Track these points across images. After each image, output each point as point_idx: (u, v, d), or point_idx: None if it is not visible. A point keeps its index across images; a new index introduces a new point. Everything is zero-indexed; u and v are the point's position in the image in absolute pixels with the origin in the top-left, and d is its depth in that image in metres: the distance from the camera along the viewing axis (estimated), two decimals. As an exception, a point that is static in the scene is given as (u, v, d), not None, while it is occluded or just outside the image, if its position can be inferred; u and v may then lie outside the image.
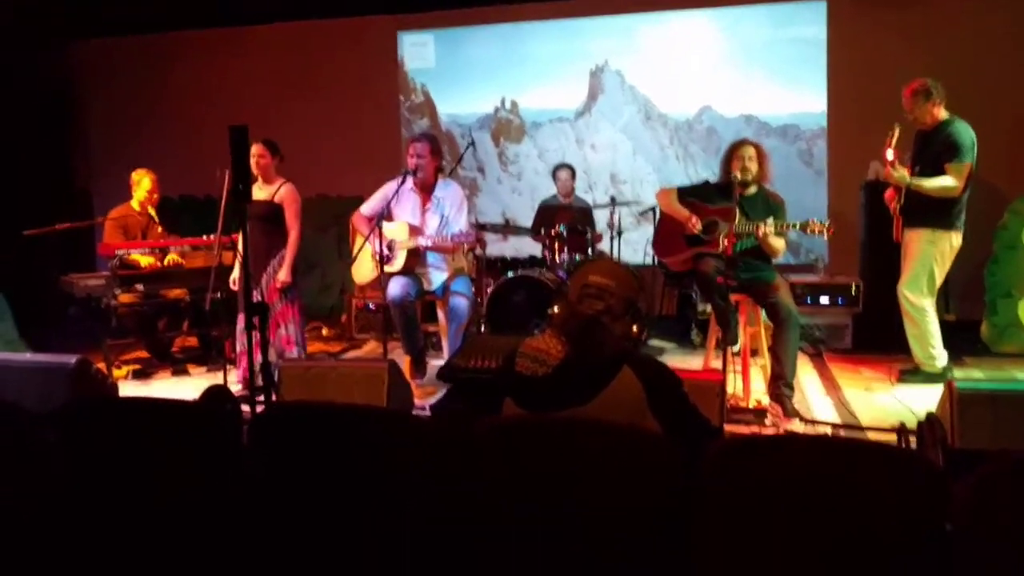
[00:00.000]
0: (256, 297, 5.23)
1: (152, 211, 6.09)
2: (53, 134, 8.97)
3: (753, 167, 4.84)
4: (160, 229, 6.11)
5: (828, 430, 4.40)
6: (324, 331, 7.48)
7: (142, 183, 6.05)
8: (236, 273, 5.40)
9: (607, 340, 2.19)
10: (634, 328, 2.26)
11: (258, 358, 3.63)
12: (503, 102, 8.52)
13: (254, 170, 5.29)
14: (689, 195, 5.11)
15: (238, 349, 5.35)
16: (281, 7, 8.17)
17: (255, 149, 5.27)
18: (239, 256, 5.21)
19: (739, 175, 4.79)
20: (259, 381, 3.69)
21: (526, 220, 7.26)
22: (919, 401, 4.76)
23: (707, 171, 7.54)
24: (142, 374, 6.04)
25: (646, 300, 7.58)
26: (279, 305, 5.36)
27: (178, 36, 8.69)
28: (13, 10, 7.39)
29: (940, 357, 5.21)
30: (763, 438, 2.43)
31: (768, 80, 7.71)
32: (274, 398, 4.20)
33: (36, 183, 8.35)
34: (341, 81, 8.55)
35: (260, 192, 5.39)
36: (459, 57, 8.49)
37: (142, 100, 8.91)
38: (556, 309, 2.29)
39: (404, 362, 5.34)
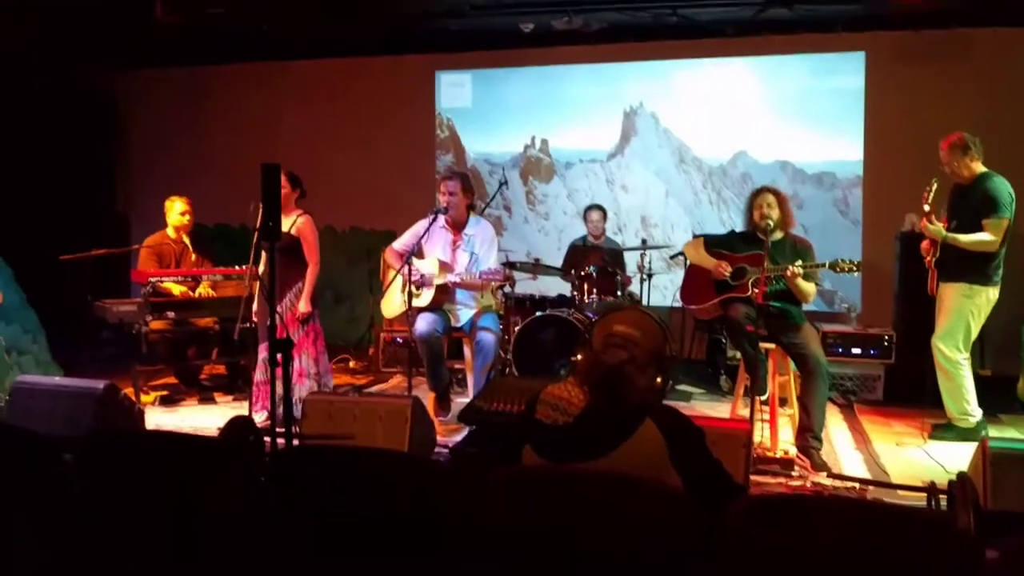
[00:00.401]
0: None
1: (187, 239, 6.16)
2: (96, 160, 9.15)
3: (773, 214, 4.85)
4: (194, 257, 6.17)
5: (856, 486, 4.29)
6: (351, 363, 7.51)
7: (174, 206, 6.13)
8: (256, 305, 5.44)
9: (629, 391, 2.15)
10: (658, 380, 2.22)
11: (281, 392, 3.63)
12: (533, 140, 8.55)
13: None
14: (716, 245, 5.12)
15: (256, 379, 5.36)
16: (322, 44, 8.31)
17: None
18: (257, 287, 5.33)
19: (766, 222, 4.79)
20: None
21: (552, 260, 7.24)
22: (951, 458, 4.66)
23: (740, 217, 7.50)
24: (169, 400, 6.08)
25: (675, 345, 7.53)
26: (295, 336, 5.36)
27: (222, 69, 8.87)
28: (61, 36, 7.57)
29: (974, 413, 5.10)
30: (788, 498, 2.37)
31: (805, 128, 7.69)
32: (296, 430, 4.21)
33: (77, 208, 8.52)
34: (379, 117, 8.66)
35: None
36: (495, 97, 8.56)
37: (184, 129, 9.08)
38: (579, 357, 2.25)
39: (429, 398, 5.34)
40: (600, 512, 1.83)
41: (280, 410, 4.60)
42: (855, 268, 4.66)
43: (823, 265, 4.71)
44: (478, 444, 2.55)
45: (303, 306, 5.35)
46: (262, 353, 5.26)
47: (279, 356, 3.17)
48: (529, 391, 2.36)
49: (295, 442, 3.84)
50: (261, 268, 5.37)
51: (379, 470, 2.14)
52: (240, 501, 2.23)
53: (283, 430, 3.53)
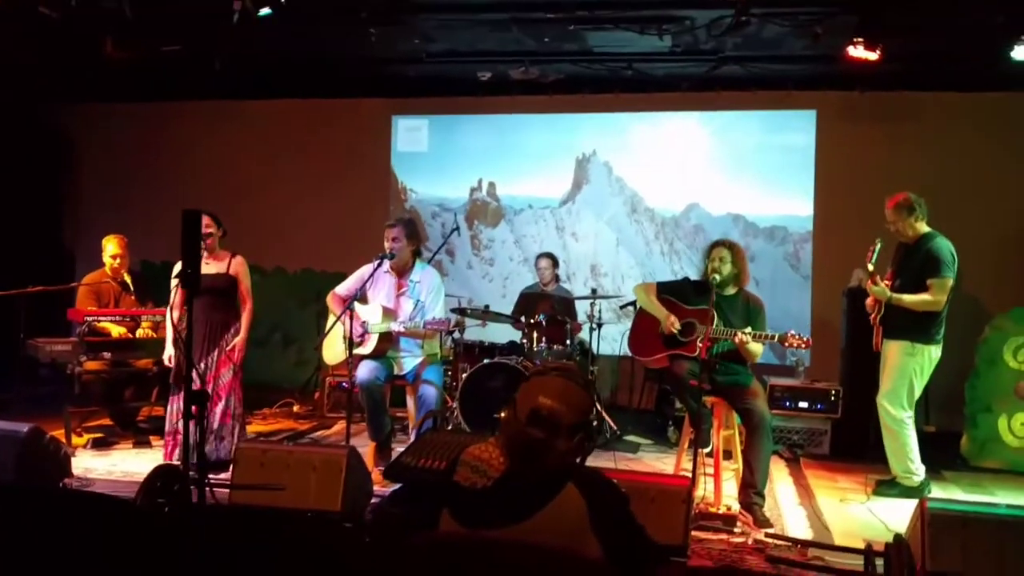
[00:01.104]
0: (200, 369, 5.21)
1: (128, 278, 6.01)
2: (44, 194, 8.96)
3: (725, 269, 4.83)
4: (133, 298, 6.02)
5: (796, 545, 4.25)
6: (295, 407, 7.34)
7: (107, 248, 5.99)
8: (170, 350, 5.35)
9: (550, 460, 2.08)
10: (585, 444, 2.15)
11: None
12: (480, 183, 8.47)
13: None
14: (668, 292, 5.09)
15: (167, 428, 5.25)
16: (279, 84, 8.26)
17: (203, 220, 5.26)
18: (169, 333, 5.34)
19: (714, 276, 4.79)
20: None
21: (495, 308, 7.13)
22: (894, 515, 4.68)
23: (691, 268, 7.55)
24: (103, 443, 5.89)
25: (625, 394, 7.52)
26: (226, 377, 5.28)
27: (176, 105, 8.76)
28: (12, 69, 7.45)
29: (917, 472, 5.12)
30: (703, 572, 2.31)
31: (757, 182, 7.79)
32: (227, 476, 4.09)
33: (21, 243, 8.30)
34: (334, 159, 8.62)
35: (210, 267, 5.31)
36: (451, 143, 8.55)
37: (135, 165, 8.95)
38: (504, 415, 2.17)
39: (369, 447, 5.23)
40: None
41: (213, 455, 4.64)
42: (804, 345, 4.56)
43: (772, 337, 4.64)
44: (403, 503, 2.46)
45: (240, 345, 5.31)
46: (175, 403, 5.19)
47: (194, 408, 3.05)
48: (458, 448, 2.28)
49: (223, 491, 3.72)
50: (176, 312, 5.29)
51: (293, 533, 2.05)
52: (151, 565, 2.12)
53: (209, 480, 3.41)
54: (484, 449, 2.11)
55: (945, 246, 5.03)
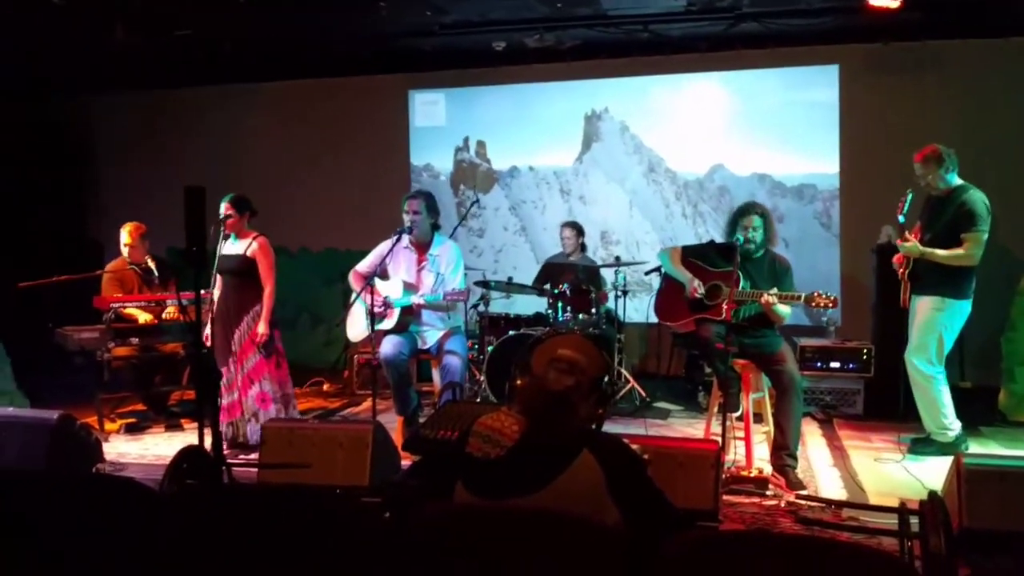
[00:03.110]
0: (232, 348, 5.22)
1: (152, 264, 6.03)
2: (65, 187, 9.04)
3: (758, 236, 4.75)
4: (156, 283, 6.05)
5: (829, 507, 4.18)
6: (325, 386, 7.38)
7: (120, 237, 6.02)
8: (208, 329, 5.37)
9: (570, 421, 2.04)
10: (600, 410, 2.11)
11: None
12: (466, 143, 8.06)
13: (224, 228, 5.29)
14: (693, 256, 5.02)
15: (222, 404, 5.28)
16: (296, 65, 8.23)
17: (222, 208, 5.27)
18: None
19: (751, 245, 4.72)
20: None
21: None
22: (930, 473, 4.60)
23: (716, 230, 7.42)
24: (135, 428, 5.94)
25: (653, 361, 7.45)
26: (253, 360, 5.28)
27: (195, 91, 8.77)
28: (31, 64, 7.47)
29: (952, 427, 5.02)
30: (731, 534, 2.26)
31: (782, 141, 7.61)
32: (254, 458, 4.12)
33: (48, 236, 8.39)
34: (352, 137, 8.58)
35: (233, 247, 5.33)
36: (468, 116, 8.42)
37: (152, 153, 8.97)
38: (518, 383, 2.13)
39: (397, 422, 5.24)
40: (530, 556, 1.71)
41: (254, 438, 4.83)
42: (831, 304, 4.47)
43: (798, 298, 4.56)
44: (420, 475, 2.44)
45: (262, 328, 5.26)
46: (225, 375, 5.25)
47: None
48: (472, 418, 2.24)
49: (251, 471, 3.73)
50: (217, 292, 5.31)
51: (314, 510, 2.03)
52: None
53: (235, 461, 3.42)
54: (496, 419, 2.08)
55: (979, 198, 4.88)
